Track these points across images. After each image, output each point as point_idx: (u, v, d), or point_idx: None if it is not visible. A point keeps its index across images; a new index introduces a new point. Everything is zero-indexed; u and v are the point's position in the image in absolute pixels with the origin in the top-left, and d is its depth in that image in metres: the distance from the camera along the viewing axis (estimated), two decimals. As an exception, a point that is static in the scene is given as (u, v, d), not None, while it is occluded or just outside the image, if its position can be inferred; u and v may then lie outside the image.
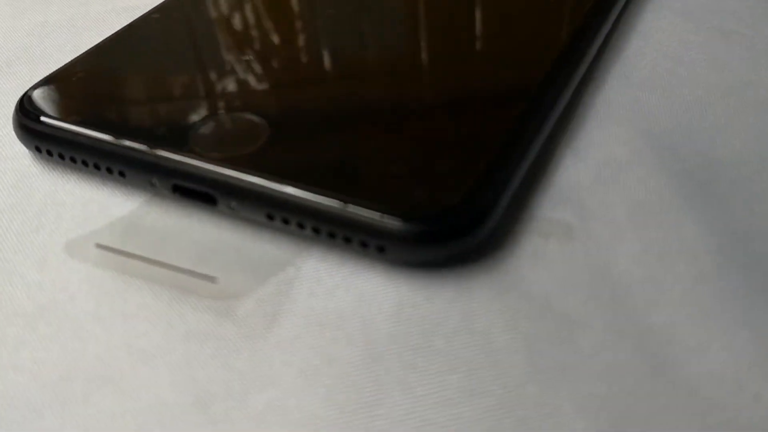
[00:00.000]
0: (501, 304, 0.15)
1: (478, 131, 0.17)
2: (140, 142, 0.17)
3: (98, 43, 0.21)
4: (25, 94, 0.19)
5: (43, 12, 0.24)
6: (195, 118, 0.17)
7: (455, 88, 0.19)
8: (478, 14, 0.22)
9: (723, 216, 0.16)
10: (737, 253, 0.16)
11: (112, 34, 0.21)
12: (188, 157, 0.16)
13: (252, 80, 0.19)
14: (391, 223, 0.15)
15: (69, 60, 0.20)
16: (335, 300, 0.15)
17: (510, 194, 0.16)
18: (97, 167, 0.18)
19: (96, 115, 0.18)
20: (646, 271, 0.15)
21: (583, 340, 0.14)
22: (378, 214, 0.15)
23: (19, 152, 0.19)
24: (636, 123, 0.19)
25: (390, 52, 0.20)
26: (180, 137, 0.17)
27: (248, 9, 0.22)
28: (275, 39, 0.21)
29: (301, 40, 0.21)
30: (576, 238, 0.16)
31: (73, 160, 0.18)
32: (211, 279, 0.15)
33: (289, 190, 0.15)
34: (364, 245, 0.15)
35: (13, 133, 0.18)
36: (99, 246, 0.16)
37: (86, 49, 0.20)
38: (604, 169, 0.18)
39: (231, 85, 0.19)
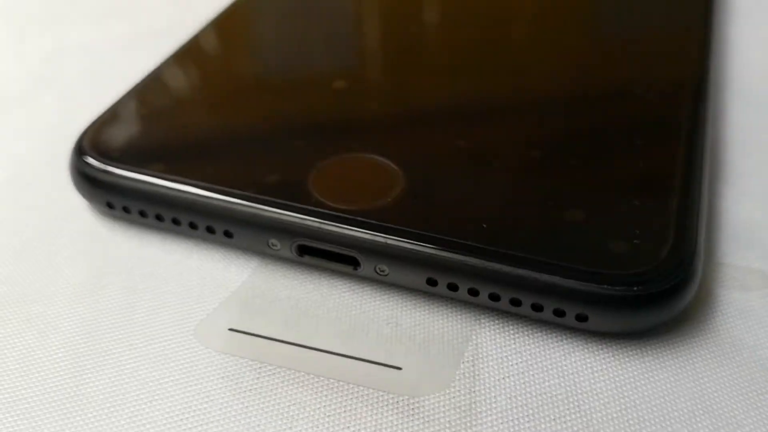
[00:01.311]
0: (731, 375, 0.12)
1: (654, 169, 0.15)
2: (253, 195, 0.14)
3: (162, 65, 0.17)
4: (84, 135, 0.15)
5: (57, 35, 0.21)
6: (314, 163, 0.15)
7: (618, 126, 0.16)
8: (619, 54, 0.19)
9: None
10: None
11: (176, 52, 0.18)
12: (321, 212, 0.13)
13: (380, 116, 0.16)
14: (599, 287, 0.12)
15: (124, 90, 0.16)
16: (536, 384, 0.12)
17: (703, 239, 0.14)
18: (193, 227, 0.14)
19: (186, 161, 0.15)
20: None
21: (837, 416, 0.12)
22: (581, 277, 0.12)
23: (78, 208, 0.15)
24: (782, 149, 0.17)
25: (542, 92, 0.17)
26: (301, 186, 0.14)
27: (362, 31, 0.19)
28: (403, 71, 0.18)
29: (444, 74, 0.18)
30: (779, 288, 0.14)
31: (159, 218, 0.15)
32: (393, 367, 0.12)
33: (460, 250, 0.13)
34: (559, 314, 0.13)
35: (70, 184, 0.15)
36: (233, 330, 0.13)
37: (148, 74, 0.17)
38: (772, 205, 0.16)
39: (356, 121, 0.16)
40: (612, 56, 0.19)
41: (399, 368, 0.12)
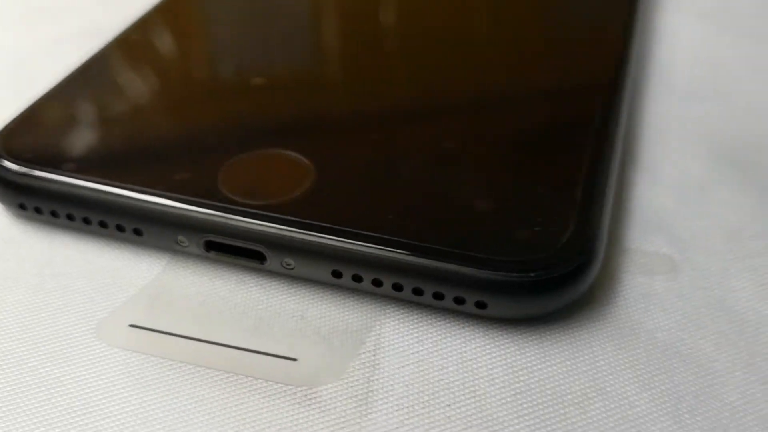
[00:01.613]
0: (628, 358, 0.13)
1: (561, 159, 0.15)
2: (160, 192, 0.14)
3: (80, 66, 0.17)
4: None
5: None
6: (223, 159, 0.15)
7: (526, 116, 0.16)
8: (531, 47, 0.19)
9: (832, 236, 0.15)
10: None
11: (97, 53, 0.18)
12: (226, 207, 0.14)
13: (289, 109, 0.16)
14: (496, 274, 0.12)
15: (42, 91, 0.16)
16: (434, 371, 0.12)
17: (608, 225, 0.14)
18: (103, 225, 0.14)
19: (97, 160, 0.15)
20: (772, 305, 0.14)
21: (730, 393, 0.12)
22: (478, 264, 0.12)
23: (-8, 211, 0.15)
24: (700, 136, 0.17)
25: (459, 81, 0.18)
26: (209, 183, 0.14)
27: (275, 27, 0.19)
28: (317, 63, 0.18)
29: (351, 66, 0.18)
30: (682, 272, 0.14)
31: (70, 217, 0.15)
32: (288, 359, 0.12)
33: (363, 242, 0.13)
34: (459, 302, 0.13)
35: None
36: (133, 326, 0.13)
37: (65, 75, 0.17)
38: (684, 191, 0.16)
39: (266, 119, 0.16)
40: (526, 47, 0.19)
41: (295, 359, 0.12)
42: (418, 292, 0.13)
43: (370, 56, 0.19)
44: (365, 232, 0.13)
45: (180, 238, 0.14)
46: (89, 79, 0.17)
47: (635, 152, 0.17)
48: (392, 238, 0.13)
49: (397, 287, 0.13)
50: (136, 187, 0.14)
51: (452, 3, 0.21)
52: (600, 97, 0.17)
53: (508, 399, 0.12)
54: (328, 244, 0.13)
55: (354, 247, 0.13)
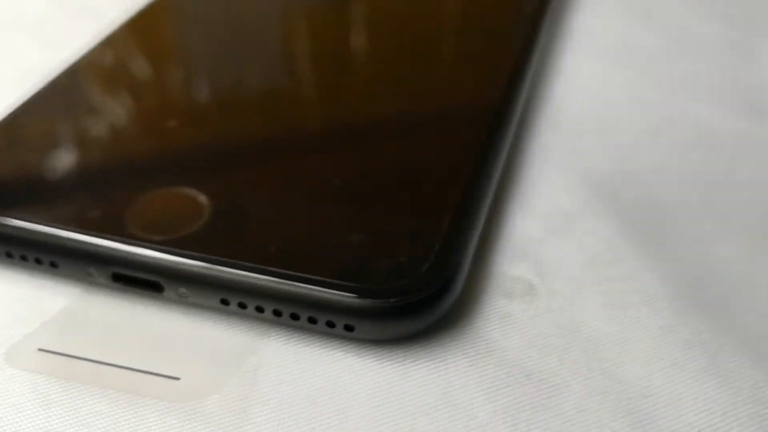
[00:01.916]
0: (478, 375, 0.14)
1: (434, 190, 0.17)
2: (72, 228, 0.16)
3: (10, 113, 0.19)
4: None
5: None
6: (129, 196, 0.16)
7: (401, 148, 0.18)
8: (417, 78, 0.21)
9: (675, 263, 0.17)
10: (694, 299, 0.16)
11: (25, 100, 0.19)
12: (128, 241, 0.15)
13: (190, 151, 0.18)
14: (360, 300, 0.14)
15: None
16: (306, 387, 0.14)
17: (472, 253, 0.16)
18: (23, 258, 0.16)
19: (14, 197, 0.17)
20: (612, 325, 0.15)
21: (564, 404, 0.14)
22: (345, 292, 0.14)
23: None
24: (575, 169, 0.19)
25: (335, 116, 0.20)
26: (116, 219, 0.16)
27: (171, 72, 0.21)
28: (213, 101, 0.20)
29: (244, 105, 0.20)
30: (539, 295, 0.16)
31: (-8, 252, 0.16)
32: (171, 378, 0.14)
33: (244, 272, 0.15)
34: (330, 325, 0.15)
35: None
36: (41, 350, 0.15)
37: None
38: (553, 221, 0.18)
39: (167, 157, 0.18)
40: (412, 78, 0.21)
41: (178, 378, 0.14)
42: (295, 317, 0.15)
43: (265, 100, 0.20)
44: (248, 264, 0.15)
45: (90, 270, 0.16)
46: (15, 118, 0.19)
47: (515, 184, 0.19)
48: (271, 269, 0.14)
49: (277, 313, 0.15)
50: (52, 224, 0.16)
51: (336, 43, 0.23)
52: (480, 129, 0.18)
53: (368, 412, 0.14)
54: (216, 276, 0.15)
55: (238, 278, 0.15)
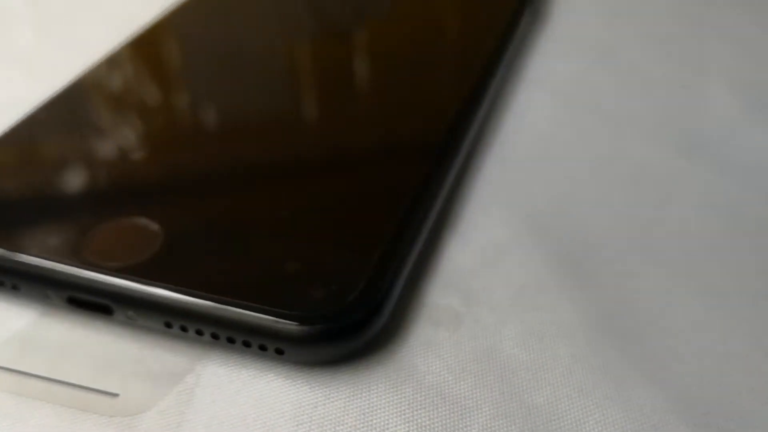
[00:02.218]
0: (397, 397, 0.15)
1: (369, 221, 0.18)
2: (31, 253, 0.17)
3: None
4: None
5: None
6: (86, 224, 0.18)
7: (341, 180, 0.20)
8: (365, 105, 0.23)
9: (595, 295, 0.18)
10: (609, 331, 0.17)
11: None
12: (81, 267, 0.17)
13: (144, 182, 0.19)
14: (287, 325, 0.15)
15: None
16: (237, 406, 0.15)
17: (403, 283, 0.17)
18: (-12, 281, 0.17)
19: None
20: (528, 353, 0.16)
21: (473, 425, 0.15)
22: (274, 317, 0.15)
23: None
24: (514, 204, 0.20)
25: (274, 150, 0.21)
26: (73, 246, 0.17)
27: (134, 104, 0.23)
28: (164, 137, 0.21)
29: (190, 139, 0.21)
30: (464, 324, 0.17)
31: (-39, 275, 0.18)
32: (110, 394, 0.15)
33: (184, 297, 0.16)
34: (262, 349, 0.16)
35: None
36: (-5, 367, 0.16)
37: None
38: (487, 253, 0.19)
39: (123, 188, 0.19)
40: (360, 113, 0.23)
41: (117, 394, 0.15)
42: (230, 340, 0.16)
43: (205, 136, 0.22)
44: (188, 290, 0.16)
45: (48, 292, 0.17)
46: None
47: (456, 216, 0.20)
48: (208, 295, 0.16)
49: (215, 336, 0.16)
50: (13, 249, 0.17)
51: (281, 75, 0.24)
52: (422, 163, 0.20)
53: (292, 430, 0.15)
54: (159, 301, 0.16)
55: (178, 303, 0.16)
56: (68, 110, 0.22)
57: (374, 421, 0.15)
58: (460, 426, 0.15)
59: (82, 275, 0.16)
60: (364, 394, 0.16)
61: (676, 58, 0.27)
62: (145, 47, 0.25)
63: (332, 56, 0.25)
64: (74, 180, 0.20)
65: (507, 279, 0.18)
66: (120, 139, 0.21)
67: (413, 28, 0.27)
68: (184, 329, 0.16)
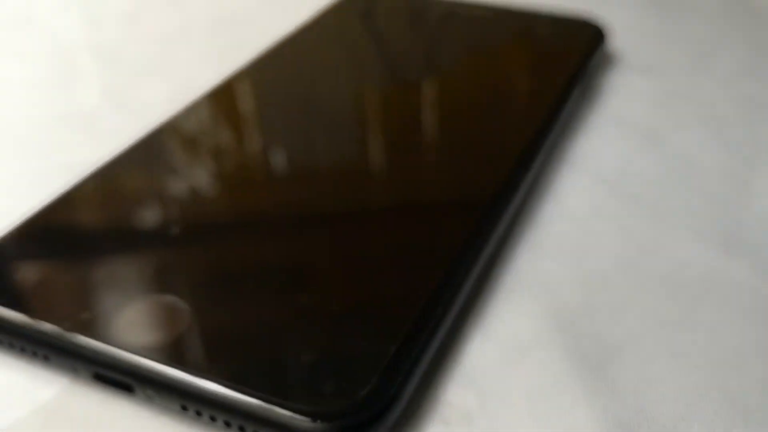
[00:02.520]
0: (399, 499, 0.15)
1: (387, 315, 0.18)
2: (63, 327, 0.18)
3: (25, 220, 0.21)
4: None
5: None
6: (118, 302, 0.18)
7: (362, 269, 0.20)
8: (392, 184, 0.23)
9: (614, 402, 0.17)
10: (624, 441, 0.17)
11: (38, 210, 0.22)
12: (106, 344, 0.17)
13: (176, 264, 0.20)
14: (297, 420, 0.16)
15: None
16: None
17: (417, 380, 0.17)
18: (23, 350, 0.18)
19: (19, 296, 0.19)
20: (537, 461, 0.16)
21: None
22: (283, 411, 0.16)
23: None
24: (542, 298, 0.20)
25: (297, 243, 0.21)
26: (103, 323, 0.18)
27: (168, 191, 0.23)
28: (194, 220, 0.22)
29: (220, 225, 0.22)
30: (475, 423, 0.17)
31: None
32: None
33: (201, 383, 0.16)
34: (271, 441, 0.16)
35: None
36: (19, 440, 0.17)
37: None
38: (508, 350, 0.19)
39: (155, 268, 0.20)
40: (391, 196, 0.23)
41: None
42: (242, 429, 0.16)
43: (232, 228, 0.22)
44: (201, 375, 0.16)
45: (76, 366, 0.18)
46: (40, 224, 0.21)
47: (481, 307, 0.20)
48: (220, 381, 0.16)
49: (227, 424, 0.16)
50: (47, 322, 0.18)
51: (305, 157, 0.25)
52: (448, 254, 0.20)
53: None
54: (174, 383, 0.16)
55: (194, 389, 0.16)
56: (110, 184, 0.23)
57: None
58: None
59: (107, 352, 0.17)
60: (361, 493, 0.16)
61: (727, 145, 0.27)
62: (190, 125, 0.26)
63: (363, 127, 0.26)
64: (110, 256, 0.20)
65: (526, 378, 0.18)
66: (156, 218, 0.22)
67: (461, 96, 0.28)
68: (198, 414, 0.17)
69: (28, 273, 0.20)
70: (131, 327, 0.18)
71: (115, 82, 0.31)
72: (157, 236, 0.21)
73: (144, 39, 0.34)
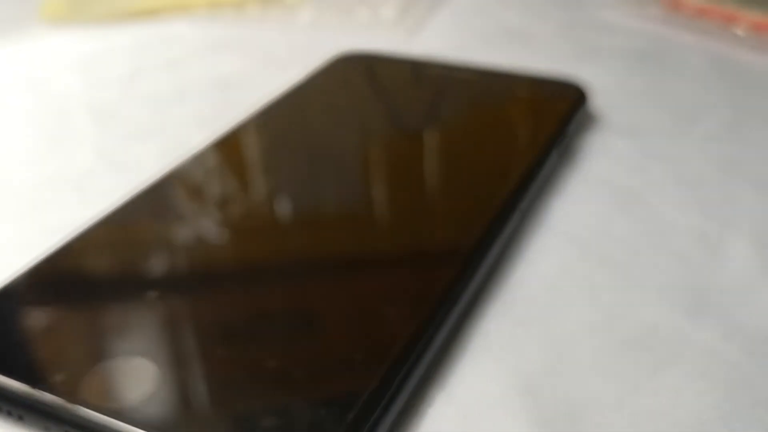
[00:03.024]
0: None
1: (348, 377, 0.18)
2: (36, 387, 0.18)
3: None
4: None
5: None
6: (89, 362, 0.19)
7: (320, 330, 0.20)
8: (362, 240, 0.24)
9: (570, 467, 0.18)
10: (578, 508, 0.17)
11: (17, 273, 0.22)
12: (75, 405, 0.18)
13: (149, 321, 0.21)
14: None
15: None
16: None
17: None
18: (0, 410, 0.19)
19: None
20: None
21: None
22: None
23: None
24: (508, 360, 0.20)
25: (259, 304, 0.22)
26: (75, 383, 0.18)
27: (150, 246, 0.24)
28: (165, 284, 0.22)
29: (187, 286, 0.22)
30: (432, 490, 0.17)
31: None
32: None
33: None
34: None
35: None
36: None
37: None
38: (469, 413, 0.19)
39: (126, 328, 0.20)
40: (361, 252, 0.23)
41: None
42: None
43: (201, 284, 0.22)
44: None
45: (48, 425, 0.18)
46: (20, 285, 0.22)
47: (444, 368, 0.20)
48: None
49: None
50: (20, 382, 0.18)
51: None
52: (413, 315, 0.20)
53: None
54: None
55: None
56: (97, 243, 0.24)
57: None
58: None
59: (76, 414, 0.18)
60: None
61: (702, 205, 0.27)
62: (180, 184, 0.27)
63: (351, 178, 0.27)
64: (82, 318, 0.21)
65: (486, 443, 0.18)
66: (128, 278, 0.23)
67: (440, 154, 0.29)
68: (164, 476, 0.17)
69: (4, 334, 0.21)
70: (102, 387, 0.18)
71: (110, 142, 0.32)
72: (131, 299, 0.22)
73: (139, 100, 0.36)
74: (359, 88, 0.35)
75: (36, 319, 0.21)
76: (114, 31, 0.43)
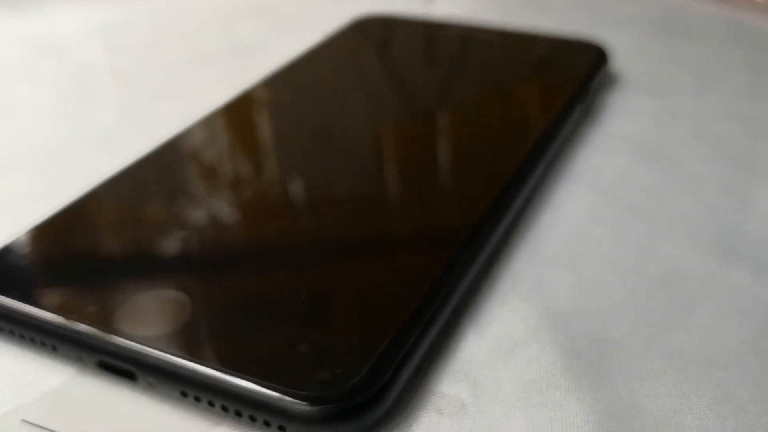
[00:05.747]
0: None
1: (383, 307, 0.18)
2: (70, 318, 0.18)
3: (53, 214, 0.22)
4: None
5: None
6: (122, 293, 0.19)
7: (358, 265, 0.20)
8: (396, 189, 0.24)
9: (605, 395, 0.18)
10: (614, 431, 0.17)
11: (49, 216, 0.22)
12: (110, 333, 0.18)
13: (177, 257, 0.21)
14: (290, 403, 0.16)
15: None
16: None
17: (410, 370, 0.18)
18: (33, 340, 0.19)
19: (30, 290, 0.20)
20: (527, 449, 0.16)
21: None
22: (278, 395, 0.16)
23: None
24: (536, 300, 0.20)
25: (296, 236, 0.22)
26: (108, 314, 0.18)
27: (171, 198, 0.24)
28: (194, 218, 0.23)
29: (219, 222, 0.23)
30: (468, 414, 0.17)
31: (11, 332, 0.19)
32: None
33: (197, 369, 0.17)
34: (267, 424, 0.16)
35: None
36: (24, 422, 0.17)
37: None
38: (501, 346, 0.19)
39: (157, 265, 0.21)
40: (393, 198, 0.24)
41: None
42: (238, 414, 0.17)
43: (233, 223, 0.23)
44: (200, 362, 0.17)
45: (81, 355, 0.18)
46: (50, 228, 0.22)
47: (476, 307, 0.20)
48: (218, 368, 0.17)
49: (224, 408, 0.17)
50: (54, 312, 0.19)
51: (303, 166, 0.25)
52: (444, 252, 0.20)
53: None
54: (174, 370, 0.17)
55: (193, 375, 0.17)
56: (124, 188, 0.24)
57: (364, 505, 0.15)
58: None
59: (110, 341, 0.18)
60: (358, 476, 0.16)
61: (726, 158, 0.27)
62: (192, 144, 0.27)
63: (370, 139, 0.27)
64: (115, 255, 0.21)
65: (518, 373, 0.18)
66: (159, 222, 0.23)
67: (467, 111, 0.29)
68: (197, 399, 0.17)
69: (39, 270, 0.21)
70: (134, 317, 0.18)
71: (132, 103, 0.32)
72: (158, 237, 0.22)
73: (160, 65, 0.36)
74: (379, 49, 0.35)
75: (69, 255, 0.21)
76: (133, 2, 0.43)
